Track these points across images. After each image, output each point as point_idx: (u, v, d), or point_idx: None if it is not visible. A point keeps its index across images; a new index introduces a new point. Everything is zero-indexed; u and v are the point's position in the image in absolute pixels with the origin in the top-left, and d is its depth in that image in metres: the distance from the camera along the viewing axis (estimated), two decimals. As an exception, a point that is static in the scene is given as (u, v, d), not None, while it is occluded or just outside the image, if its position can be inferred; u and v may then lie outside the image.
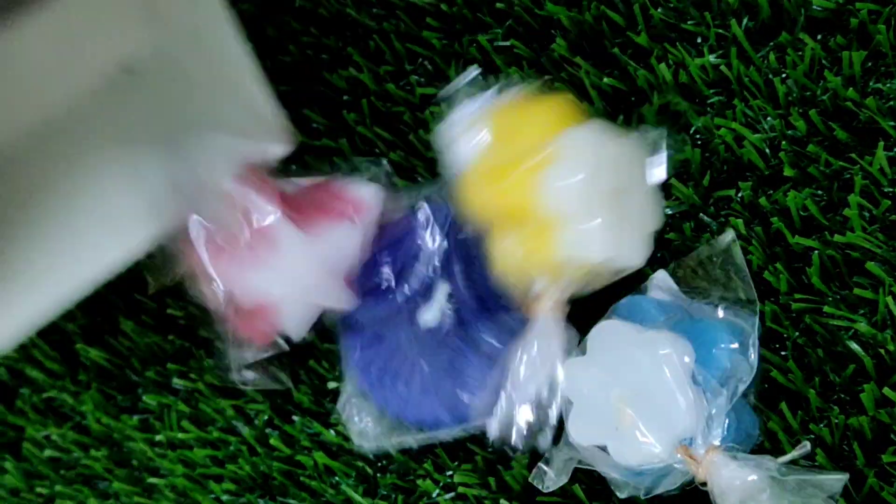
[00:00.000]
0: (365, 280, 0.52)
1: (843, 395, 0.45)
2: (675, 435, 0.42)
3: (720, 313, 0.44)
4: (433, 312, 0.50)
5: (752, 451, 0.44)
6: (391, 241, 0.52)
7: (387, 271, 0.51)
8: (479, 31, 0.54)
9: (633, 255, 0.46)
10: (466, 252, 0.50)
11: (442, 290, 0.50)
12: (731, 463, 0.41)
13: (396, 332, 0.51)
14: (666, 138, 0.46)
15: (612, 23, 0.51)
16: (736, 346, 0.43)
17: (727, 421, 0.42)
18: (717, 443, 0.42)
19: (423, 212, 0.51)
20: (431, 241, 0.51)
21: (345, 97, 0.55)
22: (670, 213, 0.49)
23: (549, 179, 0.45)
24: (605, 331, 0.45)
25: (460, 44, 0.54)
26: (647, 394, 0.43)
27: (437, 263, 0.50)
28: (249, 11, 0.57)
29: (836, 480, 0.41)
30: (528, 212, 0.45)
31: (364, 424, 0.51)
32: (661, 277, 0.46)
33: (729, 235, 0.45)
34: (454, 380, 0.49)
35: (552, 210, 0.45)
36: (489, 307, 0.49)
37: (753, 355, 0.43)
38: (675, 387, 0.42)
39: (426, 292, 0.51)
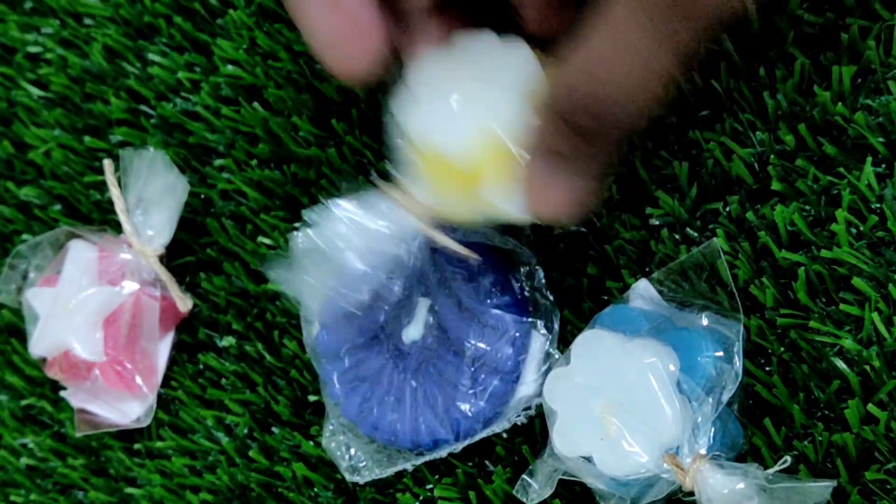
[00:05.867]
0: (336, 305, 0.51)
1: (827, 412, 0.45)
2: (662, 444, 0.42)
3: (704, 321, 0.44)
4: (417, 328, 0.50)
5: (737, 460, 0.44)
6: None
7: (360, 294, 0.50)
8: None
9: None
10: (441, 260, 0.50)
11: (423, 306, 0.50)
12: (718, 472, 0.41)
13: (377, 356, 0.50)
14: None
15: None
16: (720, 354, 0.43)
17: (713, 429, 0.42)
18: (703, 451, 0.42)
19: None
20: (405, 257, 0.50)
21: (334, 106, 0.55)
22: (656, 224, 0.49)
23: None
24: (589, 340, 0.44)
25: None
26: (632, 403, 0.42)
27: (413, 279, 0.50)
28: (241, 19, 0.57)
29: (824, 488, 0.41)
30: None
31: (354, 460, 0.51)
32: (643, 287, 0.46)
33: (714, 247, 0.45)
34: (447, 392, 0.48)
35: None
36: (470, 309, 0.48)
37: (738, 363, 0.43)
38: (661, 395, 0.42)
39: (406, 310, 0.50)
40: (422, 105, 0.43)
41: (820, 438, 0.44)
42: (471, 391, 0.48)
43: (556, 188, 0.41)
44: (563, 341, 0.48)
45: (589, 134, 0.39)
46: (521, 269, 0.49)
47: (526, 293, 0.49)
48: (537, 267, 0.49)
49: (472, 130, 0.42)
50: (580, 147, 0.39)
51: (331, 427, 0.51)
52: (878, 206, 0.45)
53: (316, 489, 0.53)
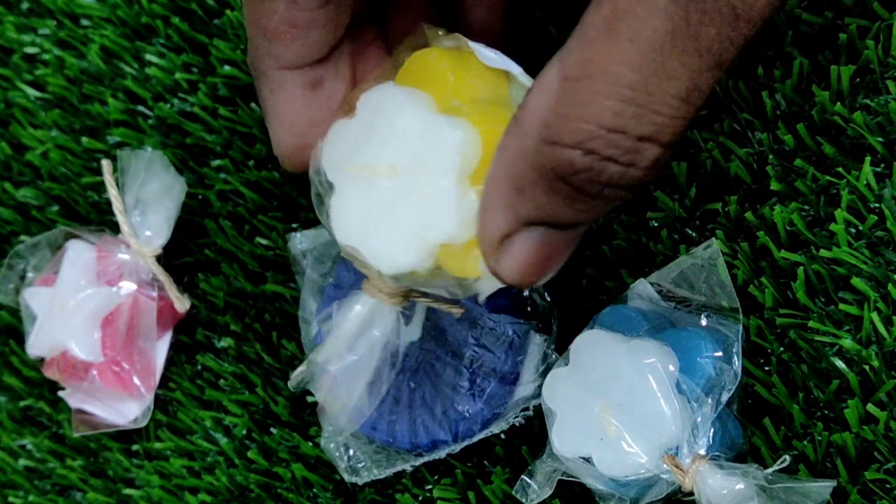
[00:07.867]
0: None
1: (826, 412, 0.45)
2: (661, 444, 0.42)
3: (703, 321, 0.44)
4: (415, 330, 0.50)
5: (737, 460, 0.44)
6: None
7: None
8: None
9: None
10: None
11: (421, 307, 0.50)
12: (718, 472, 0.41)
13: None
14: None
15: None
16: (720, 354, 0.43)
17: (712, 430, 0.42)
18: (702, 452, 0.42)
19: None
20: None
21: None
22: (655, 225, 0.49)
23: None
24: (589, 341, 0.44)
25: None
26: (631, 403, 0.43)
27: None
28: (238, 20, 0.57)
29: (824, 488, 0.41)
30: None
31: (353, 460, 0.51)
32: (642, 287, 0.46)
33: (713, 247, 0.45)
34: (445, 394, 0.48)
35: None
36: (467, 311, 0.48)
37: (737, 363, 0.43)
38: (661, 396, 0.42)
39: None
40: None
41: (819, 438, 0.44)
42: (469, 392, 0.48)
43: (552, 263, 0.37)
44: (562, 342, 0.48)
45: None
46: (520, 270, 0.49)
47: (524, 294, 0.49)
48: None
49: None
50: (579, 207, 0.34)
51: (329, 427, 0.51)
52: (877, 205, 0.45)
53: (315, 490, 0.53)
